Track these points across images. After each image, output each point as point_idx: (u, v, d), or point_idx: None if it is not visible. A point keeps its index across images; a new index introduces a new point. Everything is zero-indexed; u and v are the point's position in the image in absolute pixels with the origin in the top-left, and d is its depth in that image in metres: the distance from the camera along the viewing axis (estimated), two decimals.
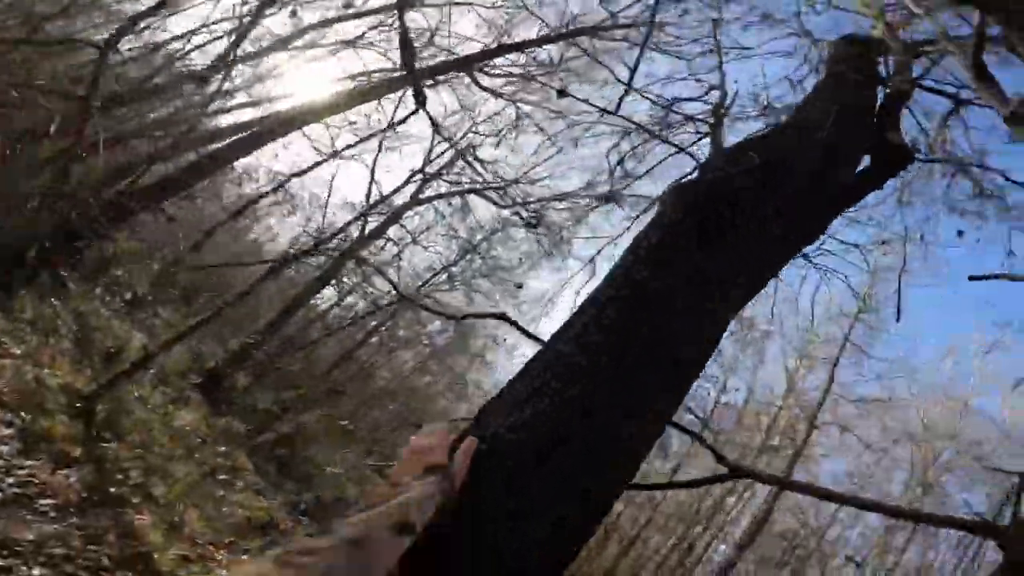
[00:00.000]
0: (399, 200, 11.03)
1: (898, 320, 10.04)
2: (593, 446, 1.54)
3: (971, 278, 2.61)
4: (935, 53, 5.15)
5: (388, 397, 15.94)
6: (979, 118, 5.54)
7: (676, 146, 3.30)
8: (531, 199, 9.60)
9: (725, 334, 2.64)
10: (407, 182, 10.78)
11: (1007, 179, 5.39)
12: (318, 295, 13.64)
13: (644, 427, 1.85)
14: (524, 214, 8.44)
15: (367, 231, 10.06)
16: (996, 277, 2.53)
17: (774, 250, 2.82)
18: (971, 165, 5.52)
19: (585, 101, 3.51)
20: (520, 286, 8.28)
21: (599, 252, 4.73)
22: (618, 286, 2.09)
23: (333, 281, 12.10)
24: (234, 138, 9.36)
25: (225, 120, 12.03)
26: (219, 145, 9.38)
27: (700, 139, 4.09)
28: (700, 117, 4.26)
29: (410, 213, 11.43)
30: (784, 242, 2.87)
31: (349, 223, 10.02)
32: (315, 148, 9.56)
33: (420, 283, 13.99)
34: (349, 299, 14.48)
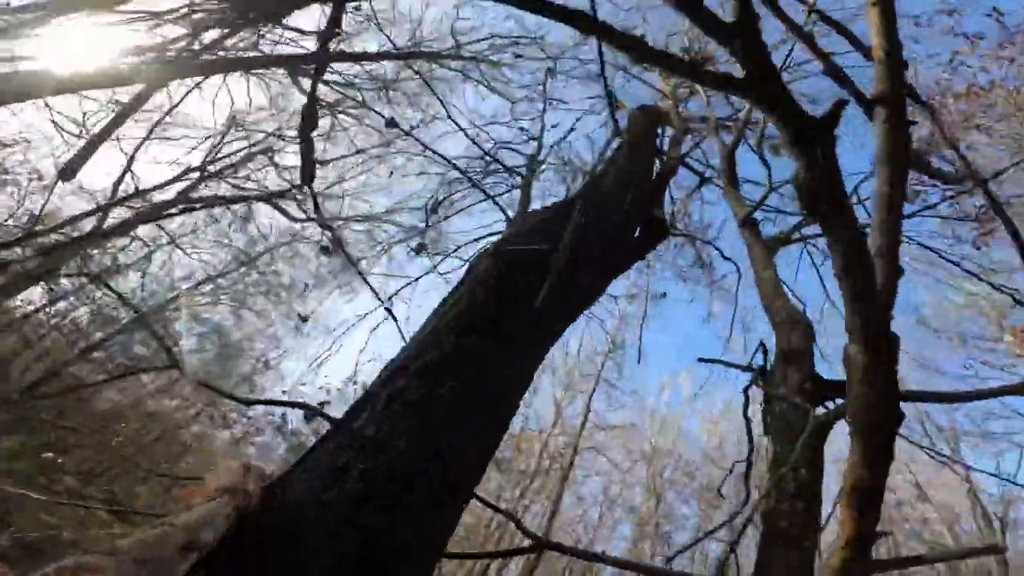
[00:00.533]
0: (163, 196, 8.92)
1: (639, 361, 12.27)
2: (404, 520, 1.55)
3: (700, 360, 3.19)
4: (702, 134, 6.37)
5: (114, 422, 12.73)
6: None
7: (489, 196, 3.30)
8: (329, 216, 8.80)
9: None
10: (178, 178, 8.77)
11: (722, 255, 6.81)
12: (17, 295, 10.27)
13: (455, 499, 1.83)
14: (322, 238, 7.62)
15: (106, 226, 7.90)
16: (717, 362, 3.14)
17: (568, 308, 2.97)
18: (702, 240, 6.93)
19: (410, 134, 3.30)
20: (305, 319, 7.37)
21: (397, 292, 4.50)
22: (424, 354, 2.02)
23: (44, 281, 9.22)
24: None
25: None
26: None
27: (511, 190, 4.23)
28: (515, 168, 4.40)
29: (174, 211, 9.35)
30: (576, 302, 3.04)
31: (85, 215, 7.75)
32: (55, 123, 7.01)
33: (174, 292, 11.57)
34: (64, 304, 11.20)
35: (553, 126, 5.56)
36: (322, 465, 1.58)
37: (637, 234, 3.68)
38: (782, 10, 2.21)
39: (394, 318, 2.46)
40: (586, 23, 1.55)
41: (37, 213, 7.54)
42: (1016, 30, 5.66)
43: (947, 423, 15.07)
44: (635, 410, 20.64)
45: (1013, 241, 2.05)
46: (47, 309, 11.18)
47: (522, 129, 5.62)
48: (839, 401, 2.68)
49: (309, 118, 1.52)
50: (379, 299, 2.65)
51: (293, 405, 2.37)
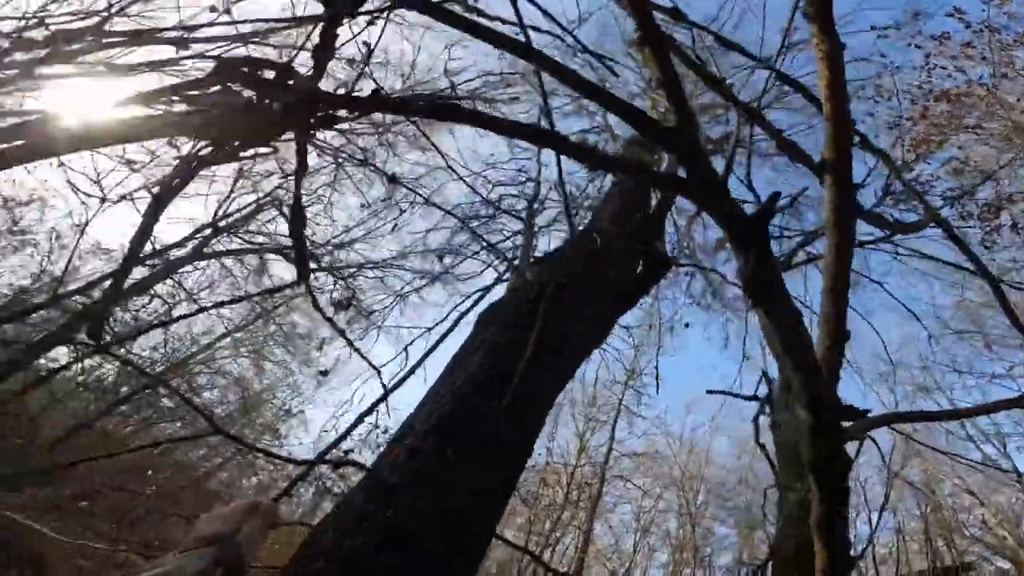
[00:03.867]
0: (178, 253, 9.25)
1: (657, 392, 12.21)
2: (420, 565, 1.62)
3: (708, 392, 3.21)
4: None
5: (141, 472, 12.92)
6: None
7: (491, 245, 3.38)
8: (342, 264, 8.98)
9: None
10: (193, 235, 9.09)
11: (725, 279, 6.78)
12: (45, 354, 10.61)
13: (471, 543, 1.87)
14: (335, 293, 7.79)
15: (126, 284, 8.17)
16: (724, 393, 3.15)
17: (575, 355, 3.02)
18: (709, 270, 6.91)
19: (412, 190, 3.43)
20: (326, 373, 7.48)
21: (412, 343, 4.60)
22: (437, 411, 2.10)
23: (70, 341, 9.51)
24: None
25: None
26: None
27: (514, 235, 4.30)
28: (516, 212, 4.48)
29: (189, 268, 9.69)
30: (583, 348, 3.08)
31: (107, 276, 8.05)
32: (71, 184, 7.36)
33: (194, 348, 11.83)
34: (89, 362, 11.53)
35: (547, 165, 5.67)
36: (350, 514, 1.70)
37: (639, 270, 3.72)
38: (734, 96, 2.31)
39: (382, 384, 2.53)
40: (539, 137, 1.65)
41: (60, 275, 7.85)
42: (979, 27, 5.68)
43: (989, 425, 14.38)
44: (660, 436, 20.19)
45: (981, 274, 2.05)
46: (73, 367, 11.50)
47: (520, 170, 5.73)
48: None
49: (297, 216, 1.61)
50: (372, 365, 2.71)
51: (327, 463, 2.43)
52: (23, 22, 5.76)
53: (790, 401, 2.62)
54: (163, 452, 14.61)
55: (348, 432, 2.98)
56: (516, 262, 3.28)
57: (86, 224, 5.41)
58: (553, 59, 1.44)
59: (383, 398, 2.97)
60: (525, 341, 2.30)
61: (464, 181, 4.03)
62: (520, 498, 17.05)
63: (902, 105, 5.85)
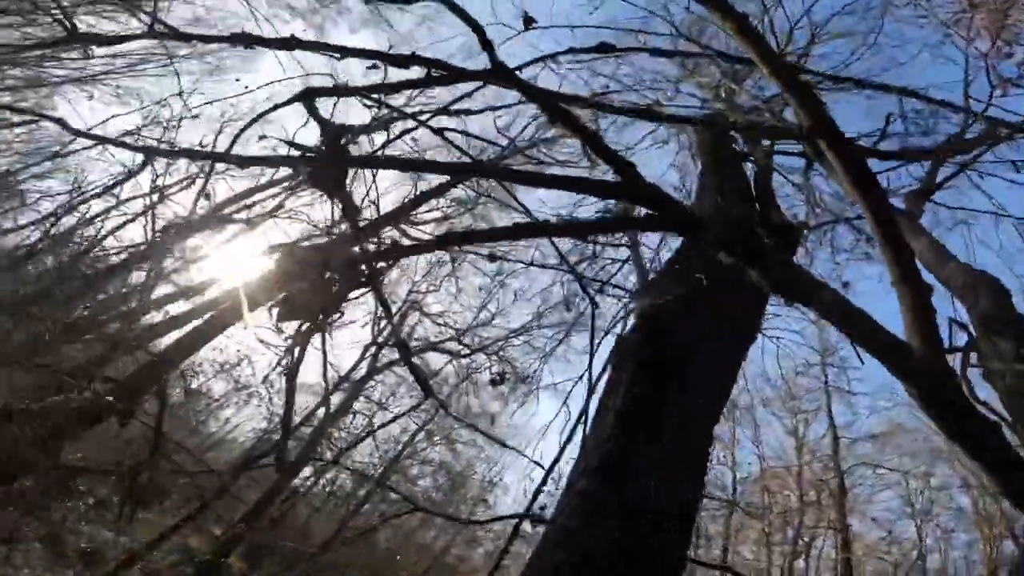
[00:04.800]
0: (356, 373, 10.73)
1: (861, 361, 10.19)
2: None
3: None
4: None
5: (393, 557, 15.04)
6: None
7: (601, 283, 3.37)
8: (489, 340, 9.60)
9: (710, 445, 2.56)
10: (362, 358, 10.54)
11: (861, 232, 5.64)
12: (296, 478, 12.90)
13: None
14: (489, 372, 8.39)
15: (332, 410, 9.67)
16: None
17: (728, 362, 2.81)
18: (841, 221, 5.79)
19: (514, 261, 3.56)
20: (504, 445, 7.90)
21: (569, 394, 4.66)
22: (595, 452, 2.12)
23: (309, 461, 11.40)
24: (175, 338, 8.91)
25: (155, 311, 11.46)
26: (159, 346, 8.93)
27: (622, 264, 4.22)
28: (617, 242, 4.41)
29: (371, 383, 11.11)
30: (733, 352, 2.86)
31: (315, 408, 9.59)
32: (260, 340, 9.16)
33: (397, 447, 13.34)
34: (328, 475, 13.76)
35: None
36: (538, 566, 1.82)
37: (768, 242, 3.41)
38: None
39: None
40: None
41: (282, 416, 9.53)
42: None
43: None
44: (896, 408, 16.92)
45: None
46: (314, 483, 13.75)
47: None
48: None
49: (403, 350, 1.84)
50: (504, 445, 2.81)
51: (519, 517, 2.61)
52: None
53: (998, 345, 2.12)
54: (406, 537, 16.72)
55: (538, 490, 3.11)
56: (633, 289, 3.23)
57: (289, 371, 6.50)
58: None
59: (558, 456, 3.07)
60: (663, 363, 2.25)
61: (558, 253, 3.98)
62: (743, 511, 15.56)
63: None
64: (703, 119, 4.71)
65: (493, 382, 3.81)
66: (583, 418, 3.62)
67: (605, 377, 2.57)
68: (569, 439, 3.14)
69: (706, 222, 1.34)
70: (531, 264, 3.56)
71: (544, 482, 3.18)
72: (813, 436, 16.78)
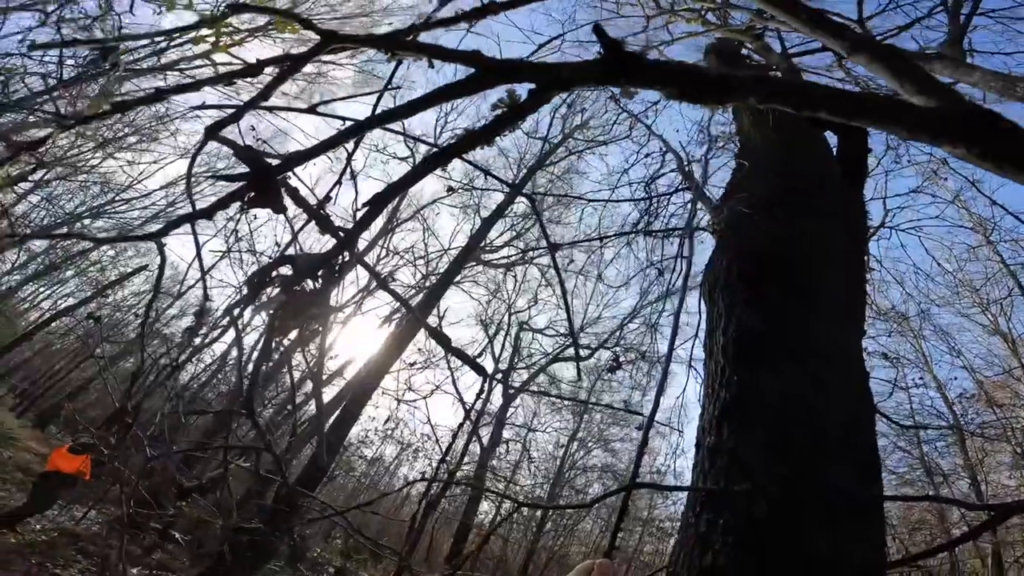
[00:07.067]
0: (490, 406, 11.17)
1: None
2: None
3: None
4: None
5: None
6: None
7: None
8: (603, 335, 9.53)
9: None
10: (490, 391, 10.93)
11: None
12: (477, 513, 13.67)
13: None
14: (606, 361, 8.37)
15: (485, 444, 10.10)
16: None
17: (845, 260, 2.49)
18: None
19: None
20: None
21: (692, 357, 4.34)
22: (718, 398, 1.94)
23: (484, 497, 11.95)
24: (332, 417, 9.91)
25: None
26: (325, 426, 9.94)
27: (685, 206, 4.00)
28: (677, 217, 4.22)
29: (512, 409, 11.50)
30: (848, 247, 2.54)
31: (466, 445, 10.10)
32: (396, 398, 9.94)
33: (557, 459, 13.46)
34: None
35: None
36: (691, 533, 1.67)
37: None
38: None
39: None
40: None
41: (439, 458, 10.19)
42: None
43: None
44: None
45: None
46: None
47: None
48: None
49: (446, 344, 1.80)
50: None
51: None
52: None
53: None
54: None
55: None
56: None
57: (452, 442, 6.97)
58: None
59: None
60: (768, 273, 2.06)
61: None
62: (976, 435, 13.01)
63: None
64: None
65: (611, 368, 3.75)
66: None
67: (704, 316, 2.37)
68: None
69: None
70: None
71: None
72: (1021, 326, 13.83)
